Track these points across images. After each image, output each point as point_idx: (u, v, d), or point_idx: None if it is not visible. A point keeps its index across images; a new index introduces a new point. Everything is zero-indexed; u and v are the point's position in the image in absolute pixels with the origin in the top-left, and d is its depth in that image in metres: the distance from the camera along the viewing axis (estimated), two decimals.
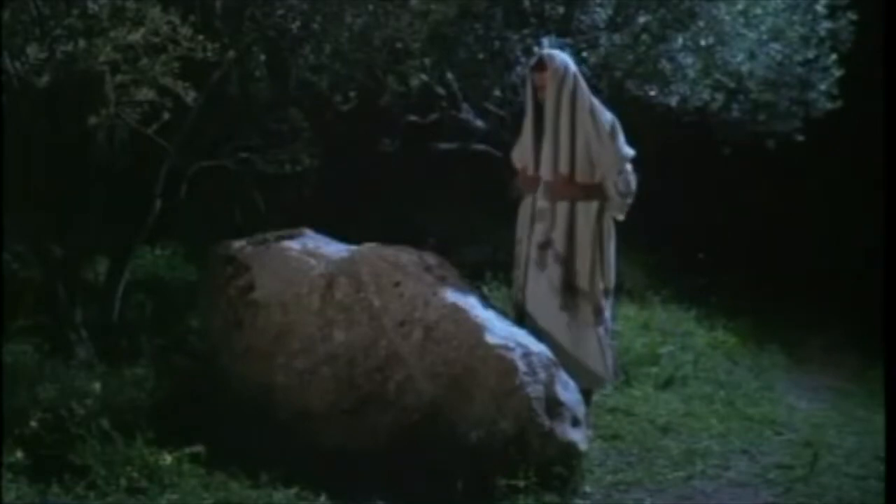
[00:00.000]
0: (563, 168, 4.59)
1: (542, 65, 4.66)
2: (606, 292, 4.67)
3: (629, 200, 4.66)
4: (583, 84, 4.67)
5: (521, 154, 4.80)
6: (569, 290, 4.61)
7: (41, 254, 5.01)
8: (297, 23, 5.33)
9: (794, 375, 7.09)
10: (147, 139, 4.73)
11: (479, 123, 7.18)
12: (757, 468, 4.76)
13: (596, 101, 4.70)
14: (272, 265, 4.51)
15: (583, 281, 4.61)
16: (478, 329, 4.18)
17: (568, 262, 4.61)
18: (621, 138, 4.65)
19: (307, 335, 4.31)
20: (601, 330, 4.65)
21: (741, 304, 8.01)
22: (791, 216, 9.29)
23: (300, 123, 5.70)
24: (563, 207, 4.62)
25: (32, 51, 4.12)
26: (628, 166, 4.65)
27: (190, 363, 4.88)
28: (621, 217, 4.70)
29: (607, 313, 4.70)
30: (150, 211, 5.17)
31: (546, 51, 4.96)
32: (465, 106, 7.00)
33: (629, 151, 4.66)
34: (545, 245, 4.63)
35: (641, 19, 6.76)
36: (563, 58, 4.73)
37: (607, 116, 4.67)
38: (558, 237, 4.61)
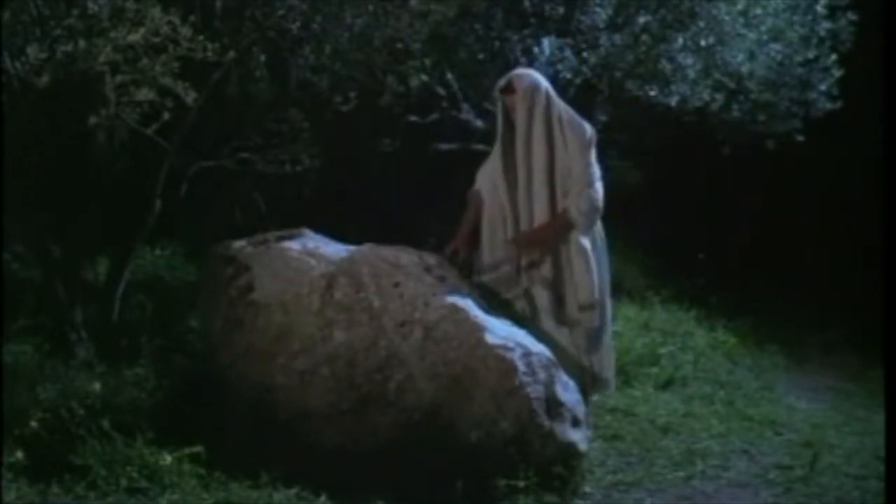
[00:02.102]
0: (541, 215, 4.52)
1: (511, 87, 4.57)
2: (583, 308, 4.55)
3: (595, 218, 4.57)
4: (555, 99, 4.59)
5: (487, 177, 4.67)
6: (559, 309, 4.56)
7: (41, 254, 5.00)
8: (297, 23, 5.32)
9: (794, 375, 7.10)
10: (147, 139, 4.72)
11: (479, 123, 7.17)
12: (757, 468, 4.76)
13: (572, 114, 4.60)
14: (272, 265, 4.51)
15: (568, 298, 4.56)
16: (477, 329, 4.18)
17: (556, 285, 4.55)
18: (593, 154, 4.57)
19: (307, 335, 4.31)
20: (584, 341, 4.59)
21: (741, 304, 8.01)
22: (791, 216, 9.29)
23: (300, 123, 5.69)
24: None
25: (32, 51, 4.11)
26: (598, 184, 4.56)
27: (190, 363, 4.88)
28: (585, 236, 4.56)
29: (593, 323, 4.59)
30: (150, 211, 5.17)
31: (515, 72, 4.77)
32: (465, 106, 7.00)
33: (597, 170, 4.57)
34: (532, 266, 4.58)
35: (641, 19, 6.76)
36: (533, 77, 4.64)
37: (586, 129, 4.58)
38: (544, 261, 4.56)
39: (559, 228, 4.55)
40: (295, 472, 4.01)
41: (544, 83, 4.62)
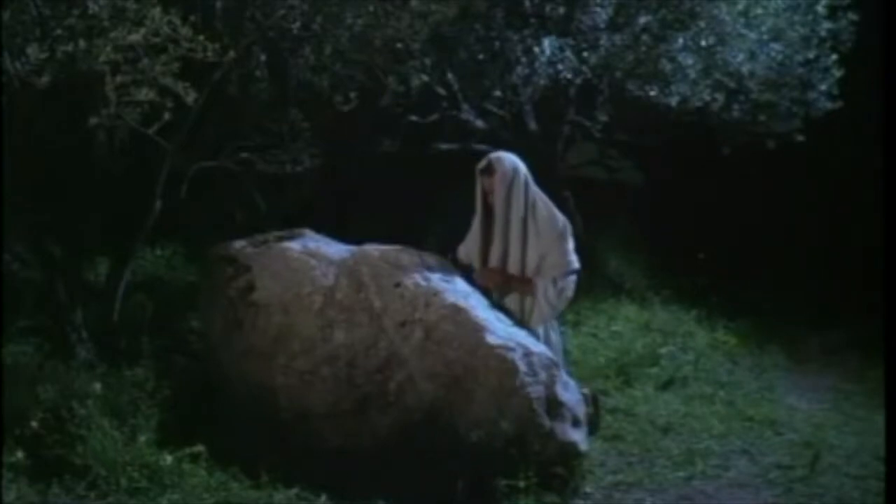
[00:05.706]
0: (514, 269, 4.53)
1: (490, 169, 4.56)
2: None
3: (561, 308, 4.60)
4: (533, 185, 4.59)
5: (466, 252, 4.70)
6: None
7: (41, 254, 5.00)
8: (298, 23, 5.31)
9: (794, 376, 7.08)
10: (147, 139, 4.72)
11: (479, 123, 7.17)
12: (757, 468, 4.77)
13: (546, 202, 4.61)
14: (273, 266, 4.51)
15: None
16: (478, 329, 4.18)
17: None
18: (571, 243, 4.58)
19: (308, 336, 4.31)
20: None
21: (741, 304, 8.00)
22: (791, 216, 9.28)
23: (300, 123, 5.69)
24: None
25: (32, 51, 4.11)
26: (572, 276, 4.57)
27: (190, 363, 4.89)
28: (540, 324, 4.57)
29: None
30: (151, 211, 5.17)
31: (495, 154, 4.71)
32: (465, 106, 7.00)
33: (575, 261, 4.58)
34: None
35: (642, 20, 6.76)
36: (513, 160, 4.61)
37: (559, 219, 4.58)
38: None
39: (520, 286, 4.55)
40: (295, 472, 4.02)
41: (522, 167, 4.61)
